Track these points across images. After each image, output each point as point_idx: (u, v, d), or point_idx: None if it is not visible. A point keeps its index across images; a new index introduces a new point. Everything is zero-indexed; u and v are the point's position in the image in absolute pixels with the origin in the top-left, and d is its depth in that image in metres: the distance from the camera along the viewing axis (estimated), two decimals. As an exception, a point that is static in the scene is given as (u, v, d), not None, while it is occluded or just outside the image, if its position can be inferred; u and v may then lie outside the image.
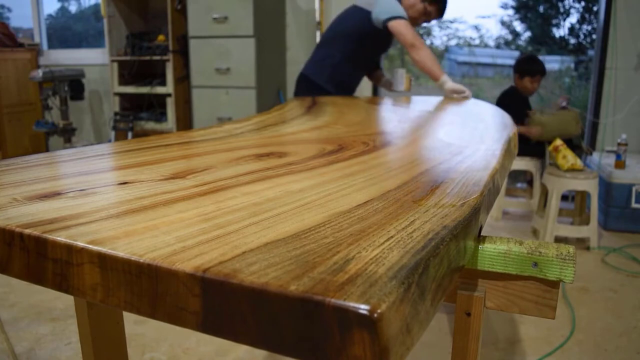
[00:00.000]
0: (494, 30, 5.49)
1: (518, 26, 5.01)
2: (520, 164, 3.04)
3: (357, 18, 2.34)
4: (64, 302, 1.98)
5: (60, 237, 0.43)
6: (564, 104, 3.01)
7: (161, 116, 3.73)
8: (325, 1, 3.58)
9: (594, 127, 3.30)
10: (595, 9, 4.61)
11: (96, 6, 4.93)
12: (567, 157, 2.59)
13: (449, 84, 2.23)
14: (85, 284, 0.42)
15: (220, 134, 1.07)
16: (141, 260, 0.39)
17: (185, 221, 0.48)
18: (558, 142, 2.67)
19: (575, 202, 2.88)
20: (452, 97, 2.20)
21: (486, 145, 0.96)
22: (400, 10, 2.27)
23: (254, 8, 3.22)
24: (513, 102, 3.04)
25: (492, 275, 0.66)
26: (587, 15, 4.84)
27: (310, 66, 2.45)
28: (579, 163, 2.58)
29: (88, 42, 5.06)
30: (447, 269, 0.45)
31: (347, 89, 2.45)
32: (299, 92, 2.45)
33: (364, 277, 0.35)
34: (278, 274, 0.35)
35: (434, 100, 2.06)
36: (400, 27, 2.23)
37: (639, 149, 3.19)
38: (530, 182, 3.25)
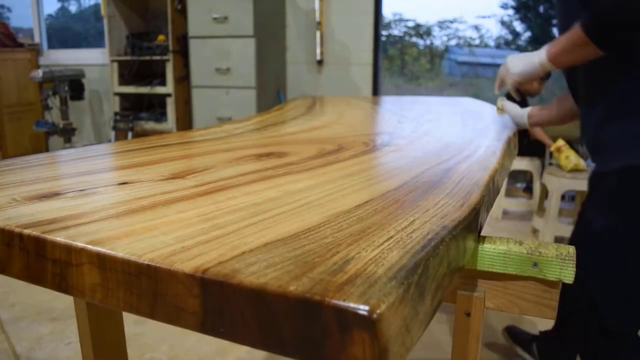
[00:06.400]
0: (494, 30, 5.48)
1: (518, 26, 5.01)
2: (520, 164, 3.04)
3: None
4: (64, 302, 1.98)
5: (60, 238, 0.43)
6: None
7: (161, 116, 3.73)
8: (325, 1, 3.58)
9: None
10: (595, 8, 4.59)
11: (96, 6, 4.93)
12: (570, 158, 2.58)
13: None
14: (84, 284, 0.42)
15: (220, 134, 1.07)
16: (140, 261, 0.39)
17: (184, 221, 0.48)
18: (560, 142, 2.66)
19: (575, 202, 2.88)
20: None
21: (486, 145, 0.96)
22: None
23: (254, 8, 3.22)
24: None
25: (492, 275, 0.66)
26: (587, 15, 4.83)
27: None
28: (582, 164, 2.57)
29: (88, 42, 5.06)
30: (446, 269, 0.45)
31: None
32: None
33: (364, 277, 0.35)
34: (277, 275, 0.35)
35: (433, 100, 2.05)
36: None
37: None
38: (530, 183, 3.25)
